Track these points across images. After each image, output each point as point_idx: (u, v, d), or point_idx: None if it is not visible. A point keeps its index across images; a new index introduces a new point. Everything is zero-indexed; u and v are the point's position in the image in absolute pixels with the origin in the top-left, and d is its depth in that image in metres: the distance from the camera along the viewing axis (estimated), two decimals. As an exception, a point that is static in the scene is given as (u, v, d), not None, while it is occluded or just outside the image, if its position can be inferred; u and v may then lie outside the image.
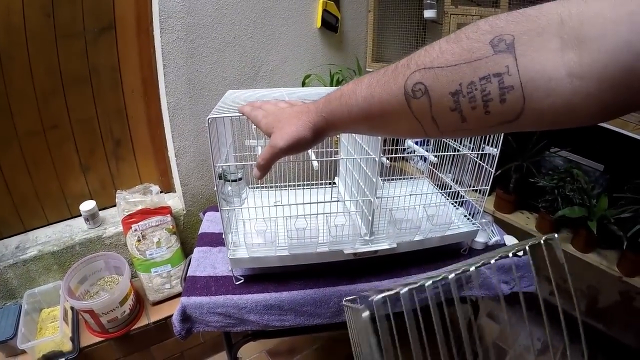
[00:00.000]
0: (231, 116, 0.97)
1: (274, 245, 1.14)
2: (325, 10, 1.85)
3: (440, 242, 1.27)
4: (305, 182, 1.34)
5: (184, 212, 1.86)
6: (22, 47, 1.48)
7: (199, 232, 1.44)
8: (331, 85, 1.92)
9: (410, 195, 1.27)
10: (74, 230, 1.70)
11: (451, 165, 1.36)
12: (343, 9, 1.97)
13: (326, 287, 1.19)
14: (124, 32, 1.64)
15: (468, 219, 1.34)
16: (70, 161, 1.69)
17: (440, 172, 1.40)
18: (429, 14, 1.74)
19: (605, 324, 1.64)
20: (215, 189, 1.04)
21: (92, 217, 1.69)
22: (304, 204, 1.14)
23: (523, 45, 0.37)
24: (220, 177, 1.11)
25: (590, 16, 0.33)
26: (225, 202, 1.14)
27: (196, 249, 1.34)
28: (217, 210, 1.31)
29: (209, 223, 1.47)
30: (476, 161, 1.21)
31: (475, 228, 1.30)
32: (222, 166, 1.08)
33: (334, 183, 1.50)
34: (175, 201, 1.89)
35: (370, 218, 1.17)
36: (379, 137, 1.04)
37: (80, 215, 1.71)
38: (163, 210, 1.72)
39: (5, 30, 1.43)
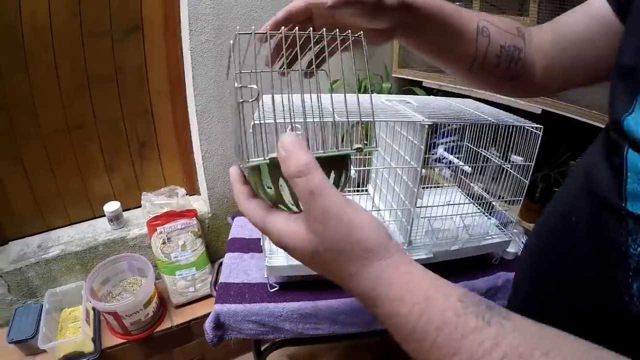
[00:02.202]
0: (277, 122, 0.89)
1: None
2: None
3: (475, 252, 1.19)
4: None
5: (209, 215, 1.75)
6: (48, 46, 1.37)
7: (229, 237, 1.33)
8: (359, 91, 1.79)
9: (448, 204, 1.19)
10: (97, 230, 1.59)
11: (481, 174, 1.29)
12: None
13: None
14: (151, 33, 1.53)
15: (500, 229, 1.27)
16: (94, 161, 1.58)
17: (471, 182, 1.32)
18: None
19: None
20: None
21: (116, 218, 1.58)
22: None
23: (527, 38, 0.59)
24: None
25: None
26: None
27: (227, 255, 1.24)
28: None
29: (239, 228, 1.37)
30: (509, 172, 1.14)
31: (507, 238, 1.23)
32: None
33: (366, 190, 1.42)
34: (200, 204, 1.77)
35: (408, 228, 1.09)
36: (422, 148, 0.96)
37: (103, 215, 1.59)
38: (189, 213, 1.61)
39: (32, 29, 1.32)
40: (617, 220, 0.38)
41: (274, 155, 0.35)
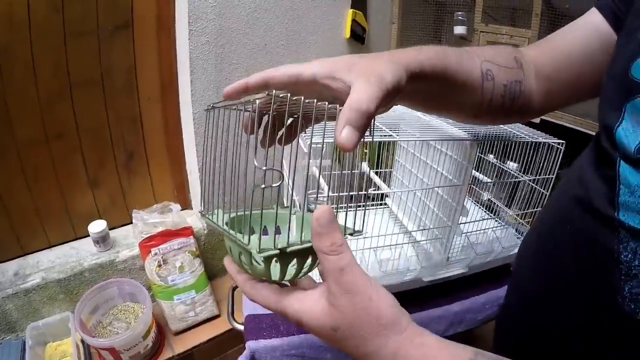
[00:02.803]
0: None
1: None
2: (354, 21, 1.65)
3: (503, 261, 1.17)
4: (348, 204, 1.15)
5: (205, 232, 1.58)
6: (26, 43, 1.16)
7: (243, 312, 1.19)
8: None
9: (483, 219, 1.15)
10: (81, 254, 1.38)
11: (500, 188, 1.27)
12: (369, 20, 1.77)
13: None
14: (142, 32, 1.34)
15: (518, 237, 1.26)
16: (76, 175, 1.37)
17: (490, 195, 1.30)
18: (459, 30, 1.58)
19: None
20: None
21: (102, 240, 1.37)
22: (392, 234, 0.96)
23: (525, 66, 0.56)
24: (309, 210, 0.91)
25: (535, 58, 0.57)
26: None
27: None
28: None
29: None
30: (532, 186, 1.13)
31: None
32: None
33: (385, 204, 1.34)
34: (193, 220, 1.59)
35: (447, 244, 1.04)
36: (467, 165, 0.92)
37: (87, 236, 1.39)
38: (185, 231, 1.44)
39: (7, 23, 1.11)
40: (609, 228, 0.39)
41: (284, 244, 0.37)
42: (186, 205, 1.66)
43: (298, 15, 1.52)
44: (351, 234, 0.42)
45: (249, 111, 0.42)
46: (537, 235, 0.56)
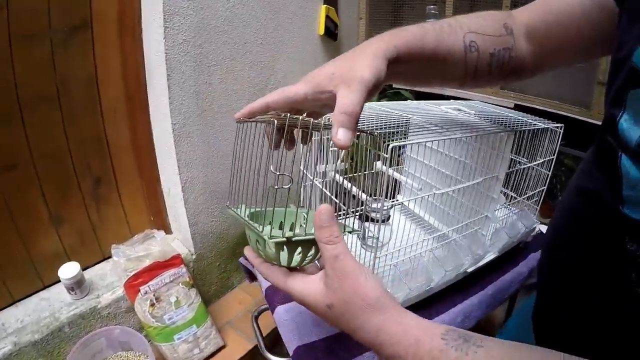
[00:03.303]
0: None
1: (427, 281, 0.87)
2: (327, 17, 1.54)
3: (515, 242, 1.18)
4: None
5: (193, 257, 1.36)
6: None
7: (263, 287, 1.04)
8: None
9: (508, 204, 1.14)
10: (54, 305, 1.10)
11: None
12: (339, 15, 1.67)
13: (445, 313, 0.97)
14: (104, 33, 1.12)
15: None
16: (35, 212, 1.10)
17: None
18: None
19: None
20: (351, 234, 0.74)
21: (77, 285, 1.11)
22: (425, 239, 0.90)
23: (516, 32, 0.54)
24: (360, 217, 0.81)
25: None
26: (368, 248, 0.84)
27: (280, 309, 0.96)
28: None
29: None
30: (536, 168, 1.15)
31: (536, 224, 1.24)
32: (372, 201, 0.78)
33: (397, 200, 1.26)
34: (178, 245, 1.38)
35: (484, 233, 1.00)
36: (505, 156, 0.87)
37: (58, 282, 1.13)
38: (175, 260, 1.23)
39: None
40: (616, 222, 0.39)
41: (291, 234, 0.45)
42: (165, 229, 1.42)
43: (275, 9, 1.37)
44: (350, 232, 0.54)
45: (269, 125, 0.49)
46: (553, 230, 0.55)
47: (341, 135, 0.39)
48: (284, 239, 0.44)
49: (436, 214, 1.09)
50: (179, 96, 1.19)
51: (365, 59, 0.43)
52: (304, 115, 0.48)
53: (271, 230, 0.46)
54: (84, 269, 1.18)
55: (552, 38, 0.54)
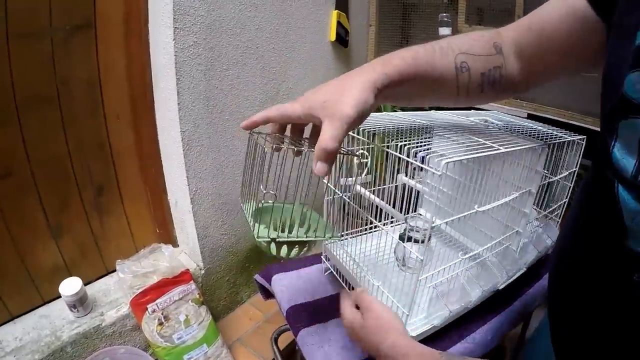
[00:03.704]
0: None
1: (466, 302, 0.80)
2: (338, 23, 1.48)
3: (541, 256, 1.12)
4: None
5: (202, 272, 1.26)
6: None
7: (283, 309, 0.95)
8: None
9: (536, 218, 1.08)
10: (55, 323, 0.99)
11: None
12: (350, 21, 1.61)
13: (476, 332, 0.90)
14: (108, 34, 1.03)
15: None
16: (33, 222, 1.00)
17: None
18: (444, 31, 1.49)
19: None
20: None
21: (80, 302, 1.00)
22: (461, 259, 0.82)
23: (505, 50, 0.55)
24: (400, 238, 0.74)
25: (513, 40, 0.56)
26: (408, 269, 0.77)
27: (304, 332, 0.86)
28: (286, 271, 0.97)
29: (291, 291, 0.96)
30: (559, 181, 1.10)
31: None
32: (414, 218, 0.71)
33: (419, 214, 1.18)
34: (186, 259, 1.27)
35: (515, 249, 0.93)
36: (538, 170, 0.82)
37: (58, 297, 1.03)
38: (184, 276, 1.13)
39: None
40: (620, 254, 0.38)
41: (275, 237, 0.55)
42: (172, 242, 1.32)
43: (287, 13, 1.30)
44: (330, 238, 0.63)
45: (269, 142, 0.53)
46: (559, 249, 0.56)
47: (319, 167, 0.45)
48: (269, 239, 0.54)
49: (466, 231, 1.02)
50: (189, 101, 1.11)
51: (353, 90, 0.46)
52: (303, 143, 0.55)
53: (259, 229, 0.54)
54: (86, 284, 1.07)
55: (540, 54, 0.55)
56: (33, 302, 1.04)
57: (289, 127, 0.56)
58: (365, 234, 0.96)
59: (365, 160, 0.74)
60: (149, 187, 1.24)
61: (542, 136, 0.85)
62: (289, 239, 0.55)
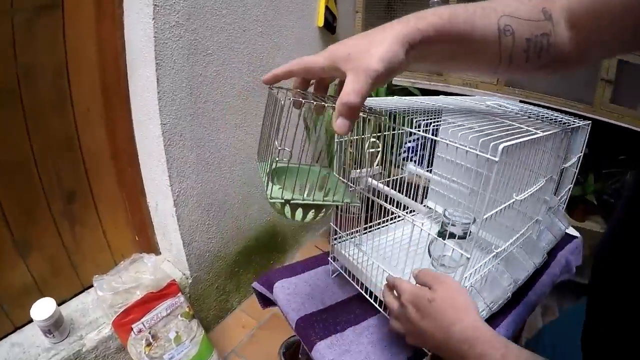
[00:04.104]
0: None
1: (503, 296, 0.75)
2: (326, 8, 1.39)
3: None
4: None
5: (189, 281, 1.14)
6: None
7: (292, 320, 0.85)
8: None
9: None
10: (30, 352, 0.85)
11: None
12: (337, 7, 1.53)
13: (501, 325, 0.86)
14: (77, 15, 0.89)
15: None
16: (-7, 238, 0.85)
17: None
18: None
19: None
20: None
21: (55, 327, 0.86)
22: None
23: (555, 17, 0.49)
24: (440, 234, 0.66)
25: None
26: (448, 268, 0.70)
27: (320, 346, 0.78)
28: (289, 276, 0.87)
29: (298, 299, 0.85)
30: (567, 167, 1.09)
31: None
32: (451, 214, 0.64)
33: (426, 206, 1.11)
34: (168, 267, 1.15)
35: (535, 237, 0.89)
36: (560, 156, 0.81)
37: (30, 321, 0.89)
38: (170, 289, 1.01)
39: None
40: None
41: (289, 199, 0.51)
42: (153, 250, 1.19)
43: (274, -4, 1.21)
44: (349, 202, 0.58)
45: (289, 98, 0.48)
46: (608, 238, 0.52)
47: (339, 123, 0.41)
48: (282, 200, 0.50)
49: (489, 226, 0.98)
50: (170, 90, 0.99)
51: (382, 44, 0.42)
52: (326, 100, 0.50)
53: (272, 190, 0.50)
54: (60, 304, 0.94)
55: (599, 24, 0.49)
56: (3, 329, 0.90)
57: (312, 84, 0.53)
58: (377, 228, 0.90)
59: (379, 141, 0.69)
60: (126, 190, 1.10)
61: (556, 121, 0.81)
62: (305, 202, 0.52)
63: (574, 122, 0.83)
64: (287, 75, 0.49)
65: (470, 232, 0.66)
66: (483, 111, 0.79)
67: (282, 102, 0.49)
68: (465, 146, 0.55)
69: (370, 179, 0.77)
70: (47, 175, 0.92)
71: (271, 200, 0.50)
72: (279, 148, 0.50)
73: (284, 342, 1.01)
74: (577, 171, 0.97)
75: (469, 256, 0.59)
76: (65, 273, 1.00)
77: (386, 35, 0.43)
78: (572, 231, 1.11)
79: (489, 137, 0.53)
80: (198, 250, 1.18)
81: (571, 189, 1.00)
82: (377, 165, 0.80)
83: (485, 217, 0.57)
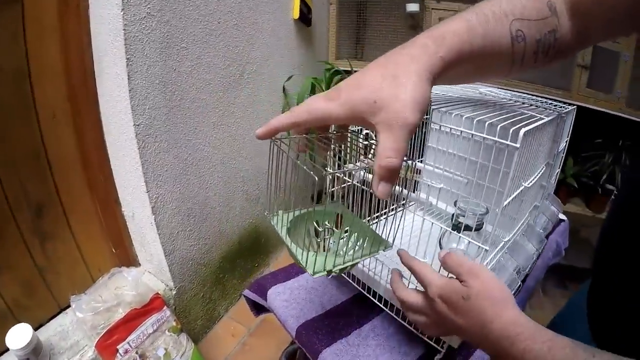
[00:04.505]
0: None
1: (513, 284, 0.74)
2: (301, 0, 1.36)
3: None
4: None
5: (173, 292, 1.07)
6: None
7: (291, 328, 0.80)
8: (312, 93, 1.44)
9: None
10: None
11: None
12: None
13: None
14: (38, 11, 0.82)
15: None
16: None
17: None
18: (411, 7, 1.48)
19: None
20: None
21: (34, 354, 0.78)
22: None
23: (559, 9, 0.48)
24: (455, 227, 0.63)
25: None
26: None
27: (325, 355, 0.73)
28: (283, 281, 0.84)
29: (296, 305, 0.79)
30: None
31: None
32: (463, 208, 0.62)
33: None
34: (149, 280, 1.08)
35: (533, 223, 0.90)
36: (556, 141, 0.82)
37: (5, 351, 0.80)
38: (155, 303, 0.95)
39: None
40: None
41: (330, 269, 0.48)
42: (132, 263, 1.12)
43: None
44: (385, 249, 0.54)
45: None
46: (609, 217, 0.55)
47: (382, 189, 0.39)
48: (325, 272, 0.47)
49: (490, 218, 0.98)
50: (143, 87, 0.92)
51: (408, 83, 0.37)
52: (333, 143, 0.49)
53: (315, 261, 0.47)
54: (37, 328, 0.86)
55: (599, 8, 0.48)
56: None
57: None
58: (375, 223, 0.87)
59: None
60: (99, 200, 1.02)
61: (547, 107, 0.82)
62: (345, 265, 0.49)
63: (562, 107, 0.84)
64: (292, 127, 0.44)
65: (483, 223, 0.65)
66: (480, 99, 0.77)
67: (290, 156, 0.46)
68: (482, 134, 0.52)
69: (363, 172, 0.75)
70: (12, 189, 0.84)
71: (315, 276, 0.47)
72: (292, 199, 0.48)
73: (284, 352, 0.96)
74: (564, 155, 0.98)
75: (487, 248, 0.57)
76: (39, 294, 0.91)
77: (409, 71, 0.38)
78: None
79: (504, 124, 0.51)
80: (180, 259, 1.12)
81: (558, 173, 1.01)
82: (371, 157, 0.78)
83: (506, 203, 0.55)
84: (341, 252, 0.53)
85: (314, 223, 0.57)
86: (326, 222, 0.57)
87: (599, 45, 1.37)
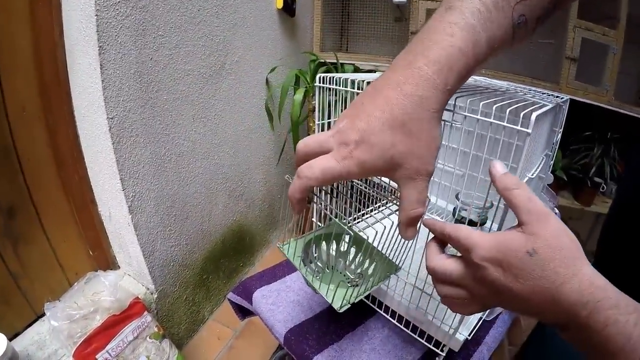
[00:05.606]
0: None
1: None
2: (285, -12, 1.32)
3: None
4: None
5: (154, 295, 1.04)
6: None
7: (279, 333, 0.74)
8: (296, 85, 1.42)
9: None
10: None
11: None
12: None
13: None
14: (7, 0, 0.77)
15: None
16: None
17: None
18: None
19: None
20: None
21: None
22: None
23: None
24: (457, 222, 0.61)
25: None
26: None
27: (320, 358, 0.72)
28: (269, 283, 0.83)
29: (283, 308, 0.77)
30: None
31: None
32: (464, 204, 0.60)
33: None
34: (129, 283, 1.04)
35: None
36: (554, 130, 0.82)
37: None
38: (135, 308, 0.92)
39: None
40: None
41: (354, 300, 0.52)
42: (110, 265, 1.08)
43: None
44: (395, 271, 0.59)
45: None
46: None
47: (409, 233, 0.42)
48: (349, 304, 0.51)
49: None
50: (117, 78, 0.88)
51: (423, 131, 0.38)
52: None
53: (338, 293, 0.52)
54: (12, 339, 0.81)
55: None
56: None
57: None
58: (363, 220, 0.85)
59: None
60: (73, 199, 0.98)
61: (540, 97, 0.82)
62: (366, 294, 0.54)
63: (558, 96, 0.84)
64: (315, 186, 0.42)
65: (487, 218, 0.63)
66: (478, 85, 0.76)
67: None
68: (490, 117, 0.50)
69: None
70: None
71: (342, 310, 0.50)
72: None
73: (273, 358, 0.94)
74: (557, 147, 0.99)
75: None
76: (14, 302, 0.87)
77: (420, 119, 0.37)
78: (551, 206, 1.14)
79: (511, 108, 0.49)
80: (161, 260, 1.08)
81: (551, 165, 1.02)
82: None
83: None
84: (354, 278, 0.59)
85: (324, 247, 0.63)
86: (334, 247, 0.63)
87: (588, 38, 1.38)
